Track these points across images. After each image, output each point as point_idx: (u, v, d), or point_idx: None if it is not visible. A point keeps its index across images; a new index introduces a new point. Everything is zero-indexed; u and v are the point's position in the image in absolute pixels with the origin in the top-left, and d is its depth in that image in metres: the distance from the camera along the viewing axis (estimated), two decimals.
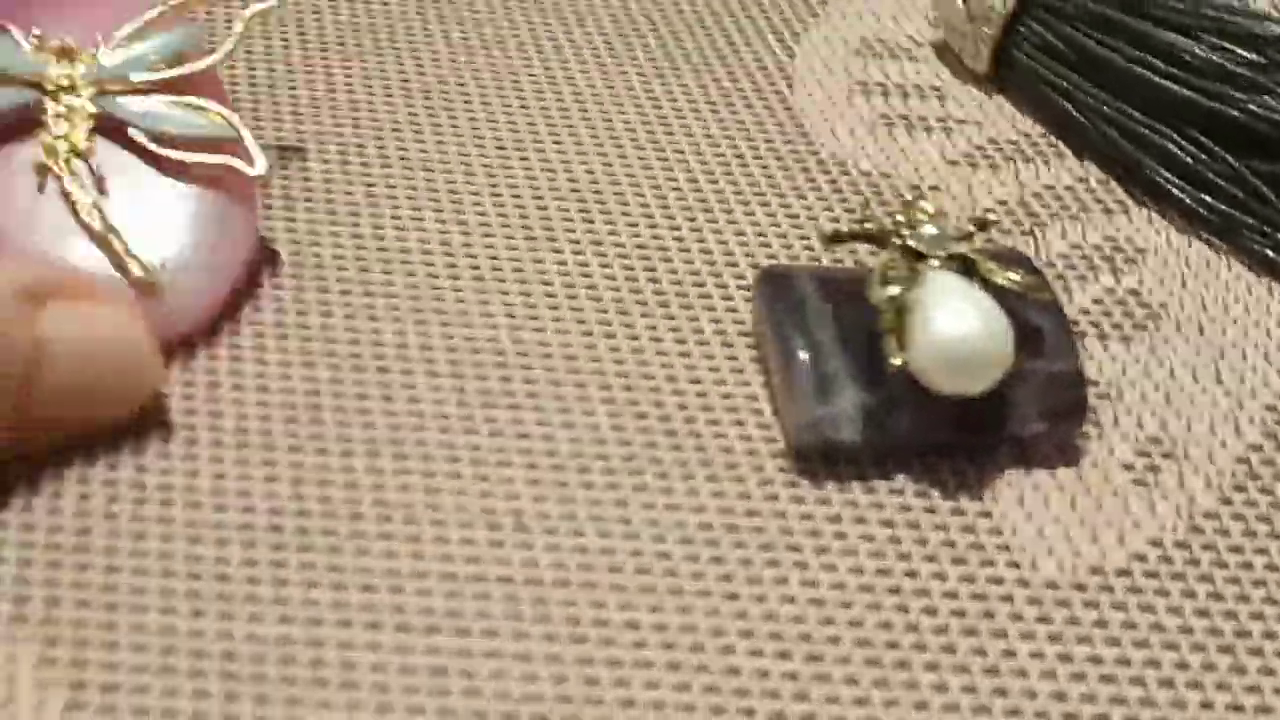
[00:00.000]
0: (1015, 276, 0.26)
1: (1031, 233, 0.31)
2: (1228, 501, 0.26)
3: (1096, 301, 0.30)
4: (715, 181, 0.32)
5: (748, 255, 0.30)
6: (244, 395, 0.26)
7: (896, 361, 0.25)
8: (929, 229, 0.27)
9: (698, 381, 0.28)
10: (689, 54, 0.36)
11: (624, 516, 0.25)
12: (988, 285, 0.26)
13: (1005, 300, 0.26)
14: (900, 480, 0.26)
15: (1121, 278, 0.31)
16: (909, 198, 0.28)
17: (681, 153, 0.33)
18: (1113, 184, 0.33)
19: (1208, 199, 0.32)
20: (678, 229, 0.31)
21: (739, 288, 0.30)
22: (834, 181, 0.33)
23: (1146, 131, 0.32)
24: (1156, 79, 0.32)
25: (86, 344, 0.24)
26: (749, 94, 0.35)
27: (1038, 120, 0.35)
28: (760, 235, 0.31)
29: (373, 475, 0.25)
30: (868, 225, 0.27)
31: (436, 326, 0.28)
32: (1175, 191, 0.32)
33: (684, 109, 0.34)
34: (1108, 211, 0.32)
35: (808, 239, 0.31)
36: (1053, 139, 0.34)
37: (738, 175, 0.32)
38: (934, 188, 0.32)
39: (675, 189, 0.32)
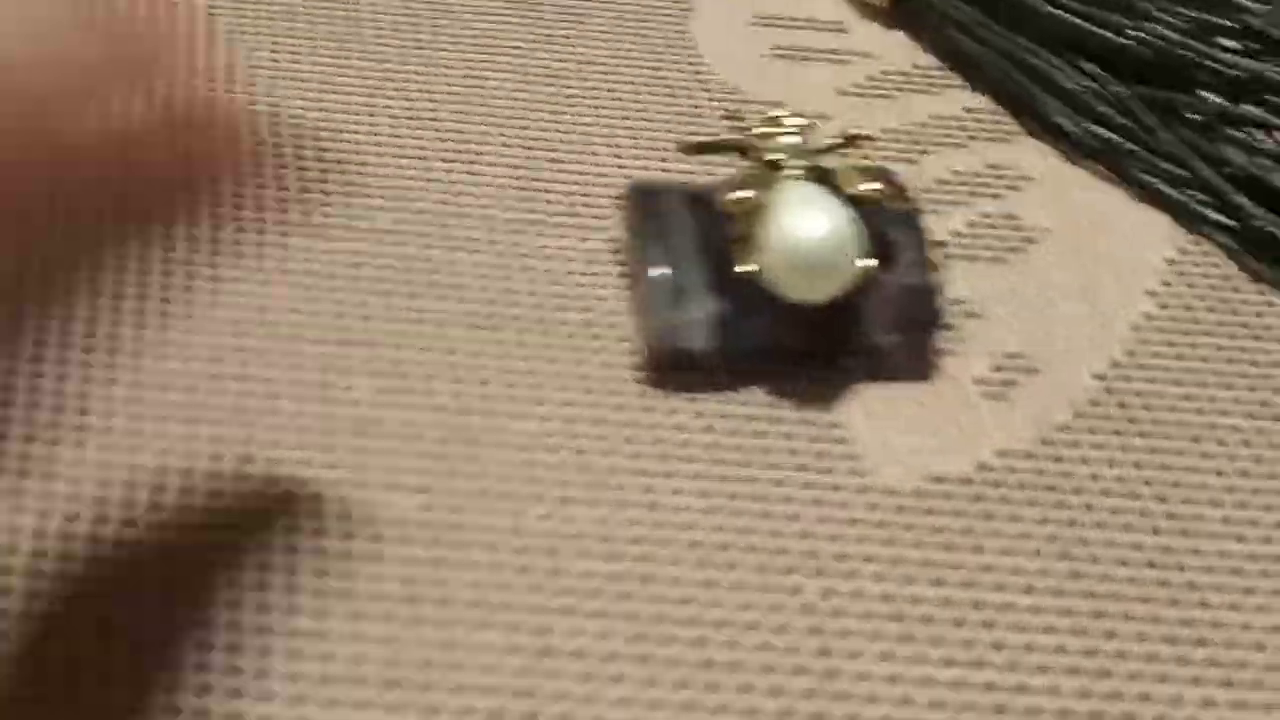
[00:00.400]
0: (871, 186, 0.26)
1: (914, 160, 0.31)
2: (1081, 415, 0.26)
3: (971, 225, 0.30)
4: (600, 105, 0.32)
5: (627, 178, 0.30)
6: None
7: (744, 267, 0.25)
8: (788, 139, 0.27)
9: (561, 296, 0.27)
10: None
11: (464, 425, 0.25)
12: (847, 197, 0.26)
13: (864, 213, 0.26)
14: (752, 391, 0.26)
15: (1000, 203, 0.30)
16: (774, 113, 0.28)
17: (569, 75, 0.32)
18: (1003, 115, 0.33)
19: (1093, 127, 0.31)
20: (554, 150, 0.31)
21: (615, 209, 0.29)
22: (722, 109, 0.32)
23: (1037, 61, 0.32)
24: (1047, 7, 0.32)
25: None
26: (646, 21, 0.34)
27: (935, 54, 0.35)
28: (640, 159, 0.31)
29: None
30: (729, 136, 0.27)
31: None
32: (1063, 120, 0.32)
33: (575, 33, 0.34)
34: (994, 140, 0.32)
35: (689, 163, 0.31)
36: (948, 72, 0.34)
37: (626, 100, 0.32)
38: (823, 115, 0.32)
39: (559, 110, 0.31)
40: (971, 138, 0.32)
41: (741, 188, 0.26)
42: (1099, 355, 0.27)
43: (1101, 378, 0.27)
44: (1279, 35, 0.30)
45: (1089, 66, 0.32)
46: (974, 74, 0.34)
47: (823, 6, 0.36)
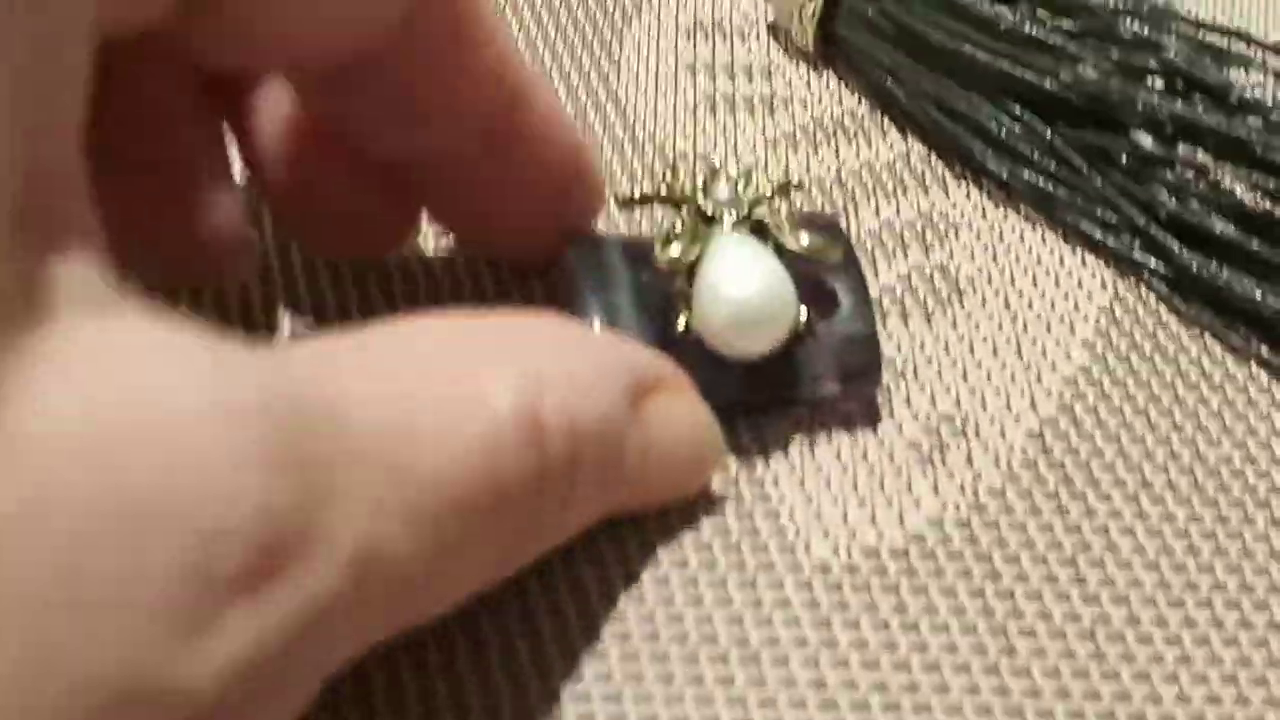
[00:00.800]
0: (805, 239, 0.25)
1: (845, 210, 0.31)
2: (1015, 478, 0.25)
3: (902, 278, 0.29)
4: None
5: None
6: None
7: (682, 323, 0.25)
8: (722, 191, 0.26)
9: None
10: (517, 34, 0.35)
11: None
12: (780, 249, 0.25)
13: (800, 263, 0.25)
14: None
15: (931, 253, 0.30)
16: (712, 163, 0.27)
17: None
18: (934, 160, 0.32)
19: (1023, 172, 0.31)
20: None
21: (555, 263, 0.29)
22: (648, 163, 0.32)
23: (964, 106, 0.32)
24: (971, 50, 0.32)
25: (673, 445, 0.23)
26: (572, 74, 0.34)
27: (864, 98, 0.34)
28: None
29: None
30: (663, 190, 0.27)
31: None
32: (992, 166, 0.31)
33: None
34: (924, 188, 0.32)
35: (614, 217, 0.30)
36: (878, 116, 0.34)
37: None
38: (754, 166, 0.32)
39: None
40: (901, 186, 0.32)
41: (675, 242, 0.25)
42: (1033, 412, 0.27)
43: (1036, 436, 0.26)
44: (1200, 75, 0.30)
45: (1019, 110, 0.31)
46: (902, 118, 0.33)
47: (750, 51, 0.35)
